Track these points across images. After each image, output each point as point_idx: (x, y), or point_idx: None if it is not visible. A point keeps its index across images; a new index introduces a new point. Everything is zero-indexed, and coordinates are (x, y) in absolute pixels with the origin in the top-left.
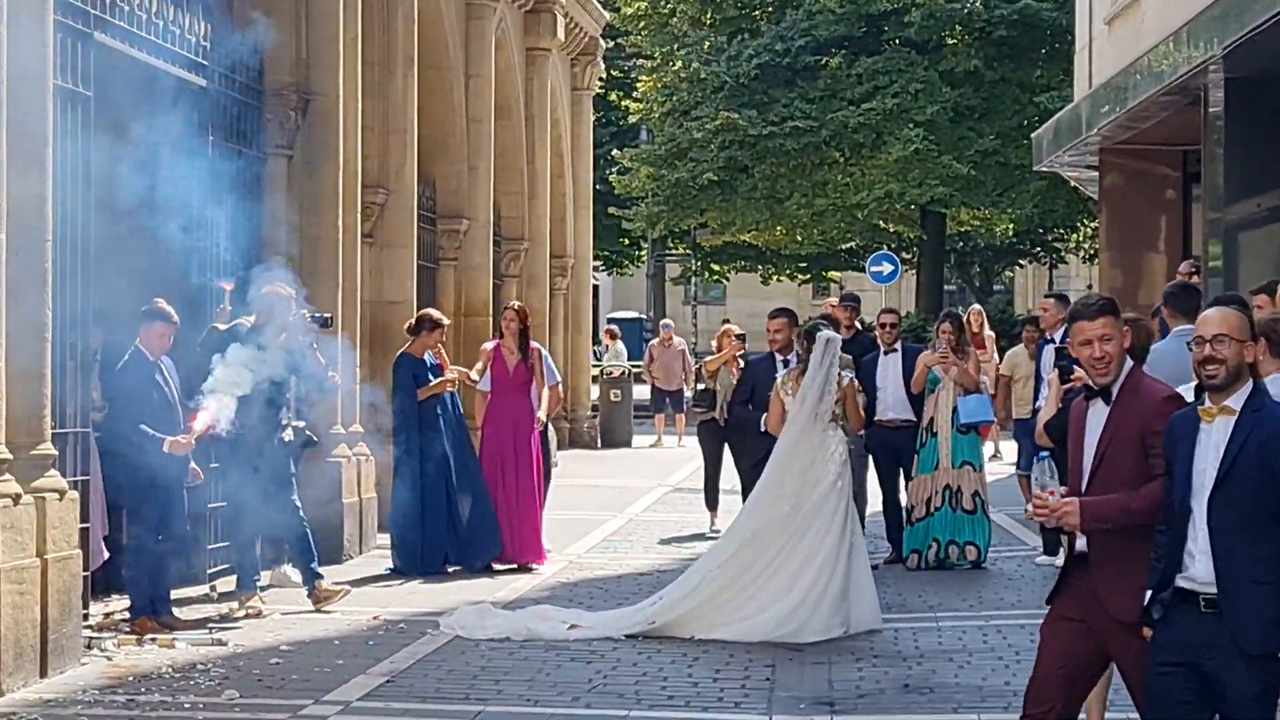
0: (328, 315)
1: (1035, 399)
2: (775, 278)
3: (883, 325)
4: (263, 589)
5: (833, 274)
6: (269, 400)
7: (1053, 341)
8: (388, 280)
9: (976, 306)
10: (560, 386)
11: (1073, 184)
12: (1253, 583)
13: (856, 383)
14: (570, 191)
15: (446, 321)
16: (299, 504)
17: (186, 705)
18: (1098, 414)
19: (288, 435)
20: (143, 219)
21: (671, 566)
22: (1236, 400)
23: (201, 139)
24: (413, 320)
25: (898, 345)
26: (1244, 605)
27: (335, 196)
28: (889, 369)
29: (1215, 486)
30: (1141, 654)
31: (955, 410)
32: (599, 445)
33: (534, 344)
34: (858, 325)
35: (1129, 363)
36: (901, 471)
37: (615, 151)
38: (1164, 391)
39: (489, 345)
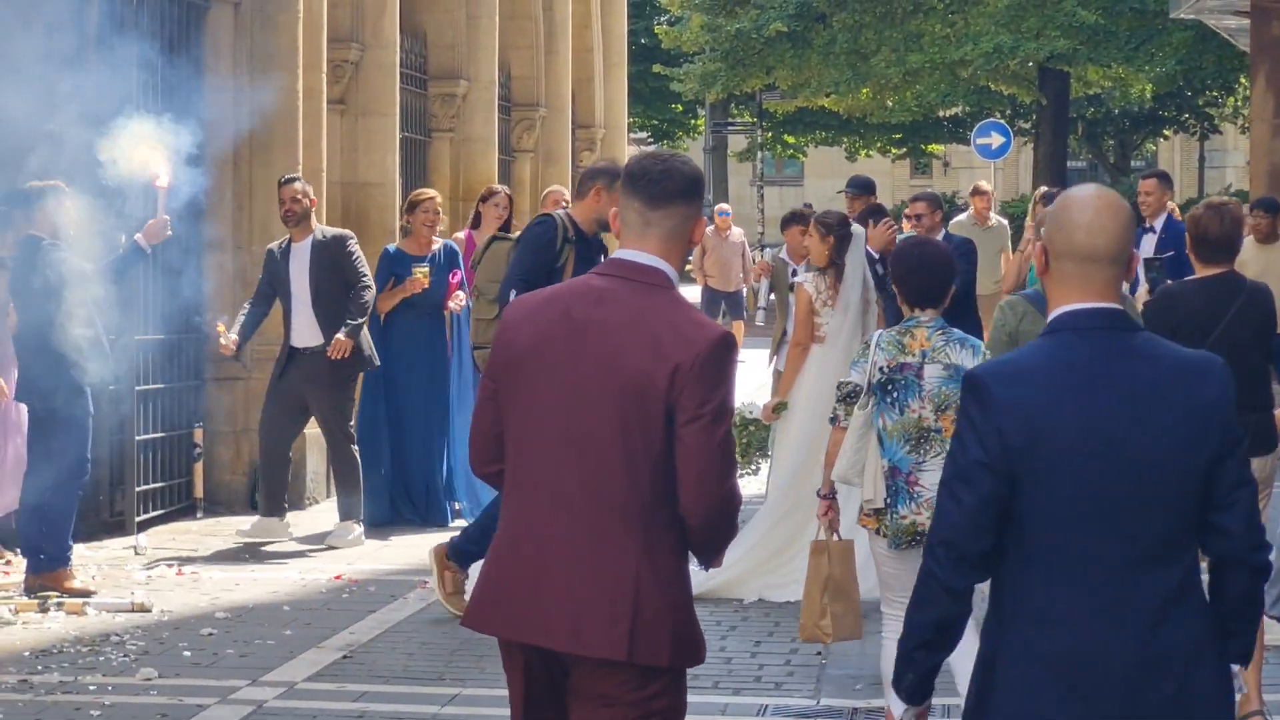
0: None
1: None
2: (863, 152)
3: (910, 216)
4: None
5: (934, 147)
6: None
7: (1151, 230)
8: (363, 157)
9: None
10: None
11: (1224, 35)
12: None
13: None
14: (599, 45)
15: (433, 194)
16: None
17: (91, 687)
18: None
19: None
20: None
21: None
22: None
23: None
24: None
25: None
26: None
27: (294, 53)
28: None
29: None
30: None
31: None
32: None
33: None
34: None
35: None
36: None
37: None
38: None
39: (461, 235)
